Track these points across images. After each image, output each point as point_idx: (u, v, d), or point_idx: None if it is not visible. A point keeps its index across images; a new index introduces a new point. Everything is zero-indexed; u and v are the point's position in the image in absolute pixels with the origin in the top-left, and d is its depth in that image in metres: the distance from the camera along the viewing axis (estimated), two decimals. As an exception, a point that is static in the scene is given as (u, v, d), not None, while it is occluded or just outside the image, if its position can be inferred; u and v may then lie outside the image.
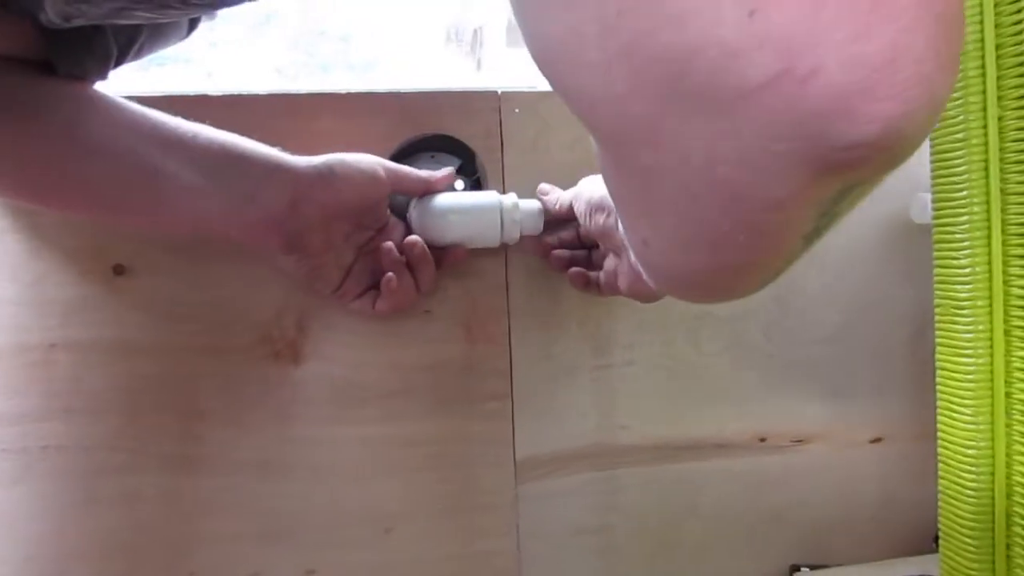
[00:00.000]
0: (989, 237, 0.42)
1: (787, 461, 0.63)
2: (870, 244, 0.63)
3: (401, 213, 0.56)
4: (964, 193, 0.43)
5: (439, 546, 0.59)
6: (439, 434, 0.59)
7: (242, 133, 0.48)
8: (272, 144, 0.49)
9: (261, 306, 0.56)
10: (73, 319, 0.54)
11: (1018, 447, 0.42)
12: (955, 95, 0.43)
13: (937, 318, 0.45)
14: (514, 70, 0.64)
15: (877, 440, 0.64)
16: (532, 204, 0.55)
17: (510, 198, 0.54)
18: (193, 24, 0.49)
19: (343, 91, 0.57)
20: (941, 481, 0.46)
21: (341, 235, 0.51)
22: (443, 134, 0.59)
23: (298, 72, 0.92)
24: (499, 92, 0.58)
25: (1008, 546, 0.42)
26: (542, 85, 0.63)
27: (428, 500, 0.59)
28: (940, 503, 0.46)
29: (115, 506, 0.55)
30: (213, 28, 0.81)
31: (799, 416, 0.63)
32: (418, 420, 0.58)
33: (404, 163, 0.59)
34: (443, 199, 0.54)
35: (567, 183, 0.59)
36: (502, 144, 0.58)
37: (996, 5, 0.42)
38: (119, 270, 0.54)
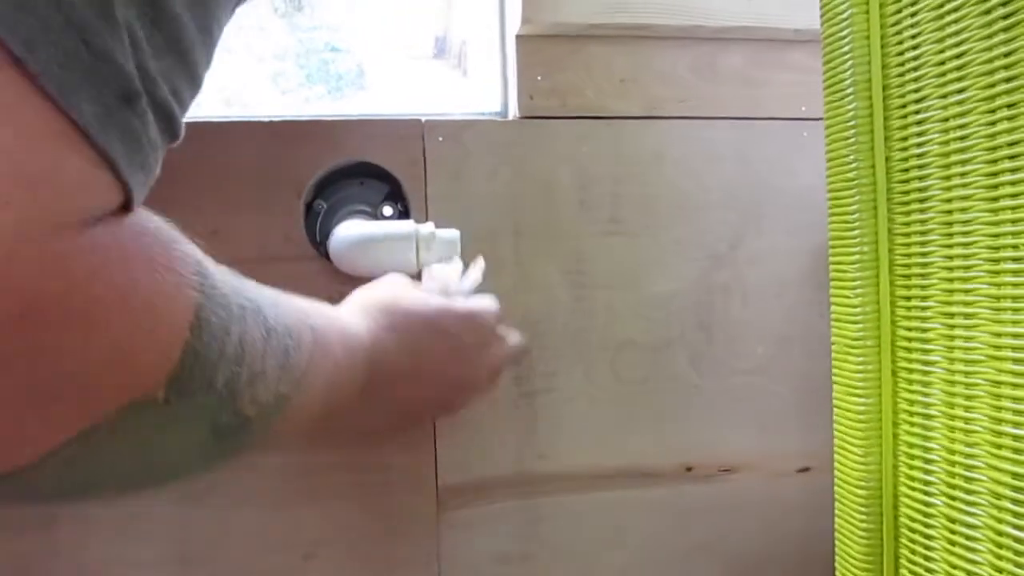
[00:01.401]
0: (878, 277, 0.43)
1: (714, 491, 0.64)
2: (794, 276, 0.64)
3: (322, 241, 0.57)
4: (855, 232, 0.44)
5: (359, 574, 0.60)
6: (360, 461, 0.60)
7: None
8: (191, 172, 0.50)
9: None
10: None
11: (904, 488, 0.43)
12: (845, 134, 0.44)
13: (833, 356, 0.46)
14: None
15: (805, 470, 0.64)
16: (450, 233, 0.56)
17: (426, 228, 0.55)
18: None
19: (267, 118, 0.58)
20: (837, 520, 0.46)
21: None
22: (367, 161, 0.59)
23: (289, 83, 0.93)
24: (423, 120, 0.59)
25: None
26: (458, 110, 0.64)
27: (349, 527, 0.60)
28: (836, 542, 0.46)
29: (32, 531, 0.56)
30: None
31: (726, 445, 0.64)
32: (338, 448, 0.59)
33: (331, 189, 0.60)
34: (359, 229, 0.55)
35: (488, 212, 0.61)
36: (425, 172, 0.59)
37: (883, 47, 0.42)
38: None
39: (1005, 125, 0.35)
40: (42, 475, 0.21)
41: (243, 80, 0.86)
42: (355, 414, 0.40)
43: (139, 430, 0.23)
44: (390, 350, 0.41)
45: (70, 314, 0.19)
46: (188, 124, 0.26)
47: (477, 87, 0.72)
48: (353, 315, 0.40)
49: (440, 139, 0.60)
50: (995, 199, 0.36)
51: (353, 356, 0.37)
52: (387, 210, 0.60)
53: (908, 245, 0.42)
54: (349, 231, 0.55)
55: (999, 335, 0.36)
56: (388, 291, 0.44)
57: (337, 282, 0.57)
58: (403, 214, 0.60)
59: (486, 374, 0.49)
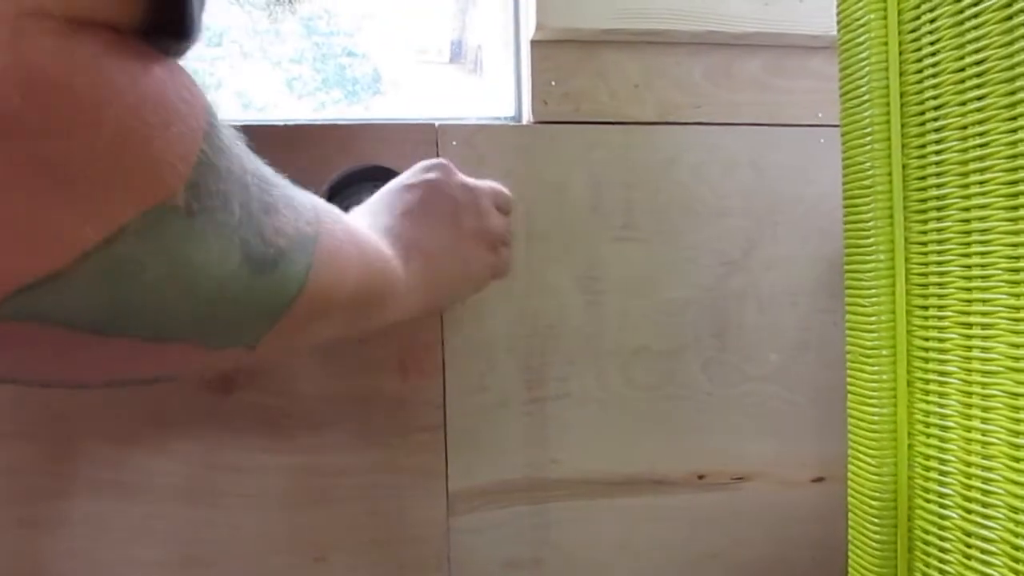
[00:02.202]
0: (894, 286, 0.43)
1: (726, 499, 0.63)
2: (809, 284, 0.63)
3: None
4: (871, 240, 0.43)
5: (370, 577, 0.60)
6: (371, 465, 0.59)
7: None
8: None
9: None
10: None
11: (919, 500, 0.42)
12: (862, 141, 0.43)
13: (848, 365, 0.45)
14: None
15: (819, 480, 0.64)
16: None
17: None
18: None
19: (281, 122, 0.58)
20: (851, 531, 0.46)
21: None
22: (381, 166, 0.59)
23: (305, 87, 0.94)
24: (436, 124, 0.59)
25: (914, 599, 0.42)
26: (473, 114, 0.64)
27: (359, 531, 0.60)
28: (849, 553, 0.46)
29: (44, 531, 0.56)
30: (222, 41, 0.83)
31: (739, 454, 0.63)
32: (350, 451, 0.59)
33: (345, 192, 0.60)
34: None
35: (500, 217, 0.60)
36: (438, 176, 0.59)
37: (901, 53, 0.42)
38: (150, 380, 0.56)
39: (1025, 133, 0.34)
40: (80, 285, 0.20)
41: (259, 84, 0.87)
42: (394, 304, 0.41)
43: (169, 243, 0.23)
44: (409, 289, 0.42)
45: (78, 93, 0.19)
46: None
47: (492, 92, 0.72)
48: (382, 241, 0.41)
49: (453, 143, 0.60)
50: (1015, 208, 0.36)
51: (372, 281, 0.38)
52: (400, 214, 0.60)
53: (925, 254, 0.41)
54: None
55: (1018, 346, 0.36)
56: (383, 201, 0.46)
57: None
58: (416, 218, 0.60)
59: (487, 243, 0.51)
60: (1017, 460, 0.35)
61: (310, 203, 0.32)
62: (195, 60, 0.54)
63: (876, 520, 0.43)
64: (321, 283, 0.31)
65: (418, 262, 0.43)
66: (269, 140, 0.57)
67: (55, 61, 0.18)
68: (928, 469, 0.42)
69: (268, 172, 0.29)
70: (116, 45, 0.20)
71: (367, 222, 0.43)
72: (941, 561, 0.41)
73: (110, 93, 0.20)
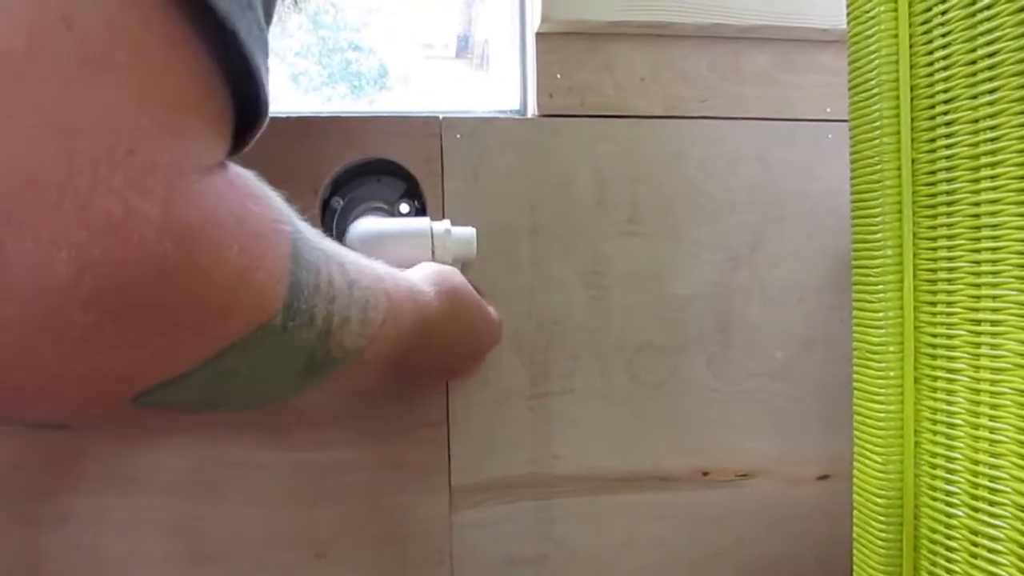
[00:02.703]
0: (902, 281, 0.42)
1: (730, 496, 0.63)
2: (816, 280, 0.63)
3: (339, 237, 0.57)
4: (879, 236, 0.43)
5: (371, 573, 0.60)
6: (373, 460, 0.59)
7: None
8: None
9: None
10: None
11: (925, 498, 0.42)
12: (871, 135, 0.43)
13: (854, 362, 0.45)
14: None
15: (824, 477, 0.63)
16: (466, 231, 0.56)
17: (442, 225, 0.54)
18: None
19: (284, 115, 0.58)
20: (855, 529, 0.45)
21: None
22: (385, 159, 0.59)
23: (311, 82, 0.94)
24: (440, 117, 0.59)
25: (919, 598, 0.42)
26: (479, 108, 0.63)
27: (360, 527, 0.60)
28: (854, 551, 0.45)
29: (47, 526, 0.56)
30: None
31: (744, 450, 0.63)
32: (352, 446, 0.59)
33: (348, 186, 0.60)
34: (376, 225, 0.55)
35: (505, 210, 0.60)
36: (443, 169, 0.59)
37: (912, 46, 0.41)
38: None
39: (1037, 127, 0.34)
40: (191, 384, 0.24)
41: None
42: (402, 365, 0.45)
43: (261, 355, 0.26)
44: (444, 320, 0.46)
45: (207, 240, 0.22)
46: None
47: (498, 86, 0.71)
48: (424, 284, 0.45)
49: (458, 136, 0.59)
50: (1025, 203, 0.35)
51: (418, 322, 0.42)
52: (404, 207, 0.60)
53: (934, 250, 0.41)
54: (366, 228, 0.55)
55: (1027, 343, 0.35)
56: (449, 271, 0.50)
57: None
58: (420, 211, 0.60)
59: (483, 360, 0.56)
60: (1026, 458, 0.35)
61: (381, 288, 0.35)
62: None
63: (882, 518, 0.43)
64: (365, 358, 0.35)
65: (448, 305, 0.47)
66: (273, 132, 0.57)
67: (192, 213, 0.21)
68: (935, 467, 0.41)
69: (353, 272, 0.32)
70: (229, 191, 0.23)
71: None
72: (947, 560, 0.40)
73: (228, 236, 0.23)
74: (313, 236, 0.29)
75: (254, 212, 0.25)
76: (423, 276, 0.46)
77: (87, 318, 0.19)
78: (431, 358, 0.48)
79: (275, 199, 0.27)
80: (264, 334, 0.25)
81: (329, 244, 0.31)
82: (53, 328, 0.19)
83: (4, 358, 0.20)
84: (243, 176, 0.25)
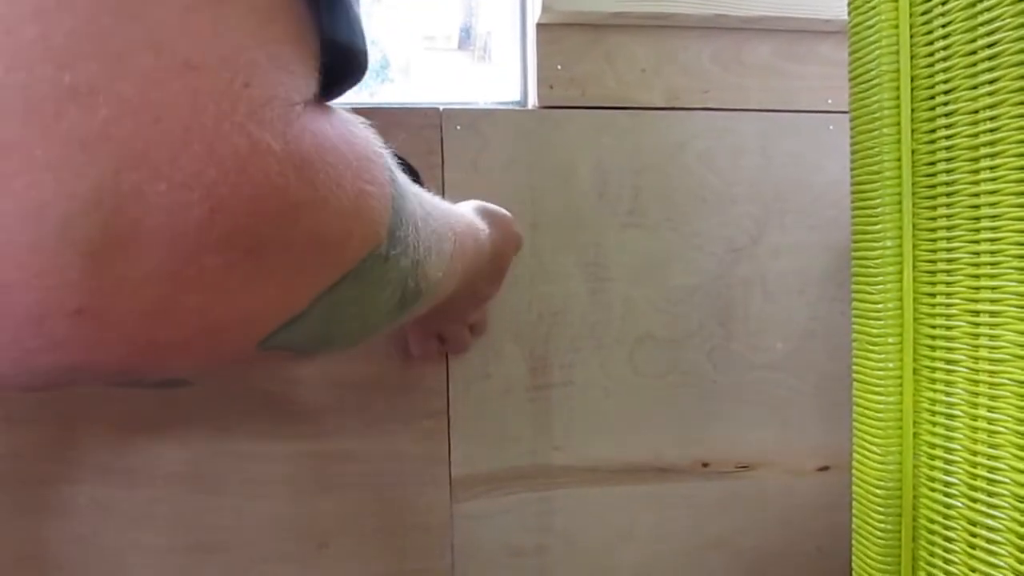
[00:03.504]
0: (901, 273, 0.42)
1: (730, 487, 0.63)
2: (817, 272, 0.63)
3: None
4: (879, 227, 0.43)
5: (373, 564, 0.60)
6: (374, 451, 0.60)
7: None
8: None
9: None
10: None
11: (924, 489, 0.42)
12: (871, 126, 0.43)
13: (854, 353, 0.45)
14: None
15: (824, 468, 0.64)
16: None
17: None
18: None
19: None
20: (855, 520, 0.45)
21: None
22: (385, 150, 0.59)
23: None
24: (440, 109, 0.59)
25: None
26: (480, 101, 0.63)
27: (362, 517, 0.60)
28: (853, 542, 0.45)
29: (49, 516, 0.56)
30: None
31: (744, 442, 0.63)
32: (353, 437, 0.59)
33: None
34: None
35: (506, 202, 0.60)
36: (443, 161, 0.59)
37: (912, 36, 0.41)
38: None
39: (1037, 117, 0.34)
40: (307, 323, 0.24)
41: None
42: (457, 298, 0.46)
43: (369, 284, 0.26)
44: (492, 252, 0.48)
45: (324, 167, 0.21)
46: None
47: (500, 78, 0.71)
48: (478, 220, 0.46)
49: (458, 128, 0.60)
50: (1025, 194, 0.35)
51: (479, 257, 0.44)
52: (405, 199, 0.60)
53: (933, 240, 0.41)
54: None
55: (1026, 334, 0.35)
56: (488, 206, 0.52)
57: None
58: (421, 204, 0.60)
59: (486, 303, 0.57)
60: (1023, 449, 0.35)
61: (446, 222, 0.35)
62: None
63: (880, 509, 0.43)
64: (439, 292, 0.35)
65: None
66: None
67: (308, 140, 0.21)
68: (933, 458, 0.41)
69: (427, 204, 0.32)
70: (335, 115, 0.23)
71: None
72: (946, 551, 0.40)
73: (341, 161, 0.22)
74: (403, 176, 0.29)
75: (359, 136, 0.24)
76: (474, 211, 0.47)
77: (219, 260, 0.19)
78: (472, 294, 0.50)
79: (366, 126, 0.27)
80: (373, 261, 0.25)
81: (402, 174, 0.31)
82: (191, 275, 0.19)
83: (146, 313, 0.19)
84: (335, 107, 0.25)
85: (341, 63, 0.24)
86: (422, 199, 0.31)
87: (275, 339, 0.23)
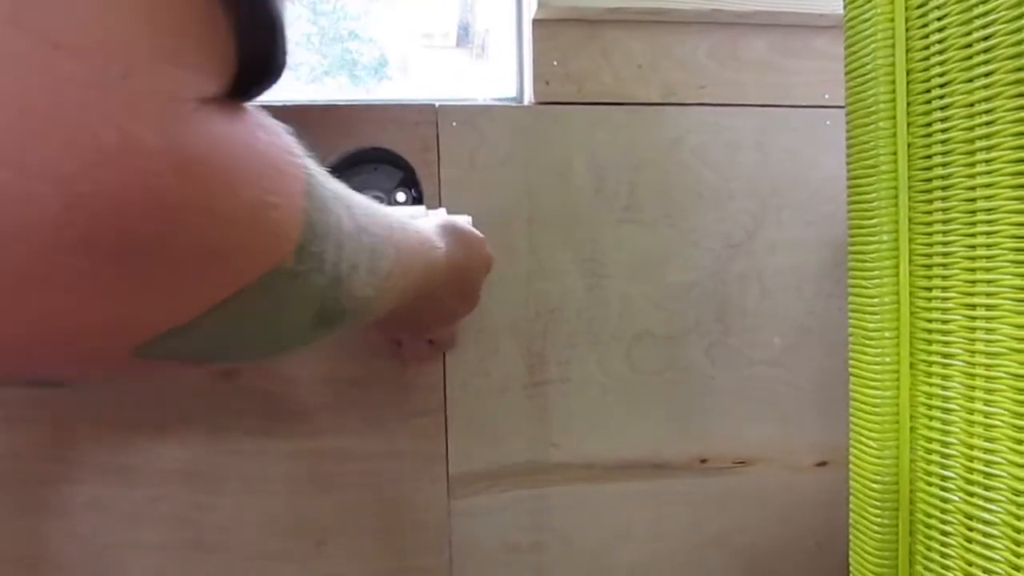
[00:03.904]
0: (897, 267, 0.42)
1: (728, 483, 0.63)
2: (814, 267, 0.63)
3: None
4: (875, 221, 0.43)
5: (371, 561, 0.60)
6: (372, 449, 0.60)
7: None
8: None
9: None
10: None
11: (921, 483, 0.42)
12: (867, 120, 0.43)
13: (850, 348, 0.45)
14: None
15: (822, 464, 0.64)
16: (462, 219, 0.56)
17: (439, 213, 0.54)
18: None
19: (280, 103, 0.58)
20: (852, 514, 0.45)
21: None
22: (381, 147, 0.59)
23: (310, 72, 0.93)
24: (436, 105, 0.59)
25: (914, 584, 0.42)
26: (479, 98, 0.63)
27: (360, 515, 0.60)
28: (850, 536, 0.45)
29: (48, 515, 0.56)
30: None
31: (742, 438, 0.63)
32: (350, 435, 0.59)
33: (345, 175, 0.60)
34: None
35: (502, 198, 0.60)
36: (439, 158, 0.59)
37: (908, 29, 0.41)
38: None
39: (1032, 110, 0.34)
40: (197, 334, 0.22)
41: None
42: (413, 313, 0.45)
43: (272, 301, 0.25)
44: (453, 272, 0.46)
45: (215, 172, 0.20)
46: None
47: (497, 74, 0.71)
48: (436, 237, 0.44)
49: (454, 124, 0.59)
50: (1021, 187, 0.35)
51: (431, 275, 0.42)
52: (400, 196, 0.60)
53: (929, 234, 0.41)
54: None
55: (1022, 327, 0.35)
56: (456, 220, 0.50)
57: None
58: (416, 200, 0.60)
59: (459, 320, 0.56)
60: (1020, 443, 0.35)
61: (387, 237, 0.33)
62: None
63: (878, 503, 0.43)
64: (373, 309, 0.34)
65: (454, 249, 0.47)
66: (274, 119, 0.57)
67: (197, 141, 0.19)
68: (930, 452, 0.41)
69: (362, 218, 0.30)
70: (235, 120, 0.21)
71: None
72: (943, 544, 0.40)
73: (239, 168, 0.21)
74: (323, 175, 0.27)
75: (266, 143, 0.23)
76: (435, 228, 0.45)
77: (80, 262, 0.18)
78: (434, 311, 0.49)
79: (286, 133, 0.25)
80: (277, 277, 0.24)
81: (338, 185, 0.29)
82: (41, 273, 0.17)
83: None
84: (251, 109, 0.23)
85: (257, 63, 0.23)
86: (356, 212, 0.30)
87: (155, 349, 0.22)
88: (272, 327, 0.27)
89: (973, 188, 0.38)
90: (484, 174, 0.60)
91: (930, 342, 0.41)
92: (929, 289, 0.41)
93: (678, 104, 0.62)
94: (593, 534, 0.62)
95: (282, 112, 0.57)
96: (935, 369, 0.41)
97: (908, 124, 0.42)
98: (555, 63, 0.61)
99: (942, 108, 0.40)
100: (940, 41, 0.40)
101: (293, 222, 0.23)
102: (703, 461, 0.63)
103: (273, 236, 0.23)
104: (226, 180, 0.20)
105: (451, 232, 0.47)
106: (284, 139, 0.24)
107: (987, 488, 0.37)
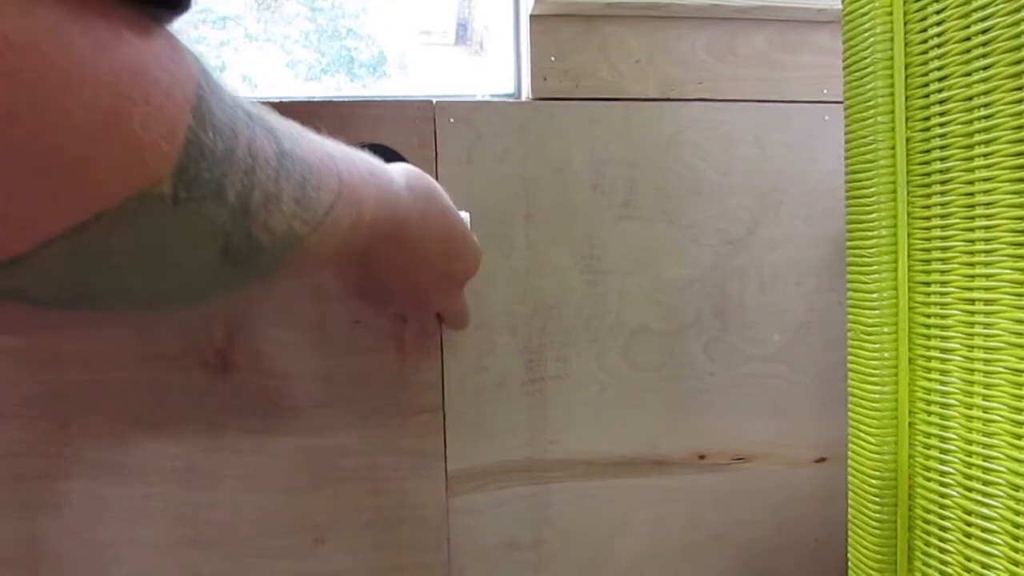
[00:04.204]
0: (896, 262, 0.42)
1: (727, 479, 0.63)
2: (813, 263, 0.63)
3: None
4: (874, 215, 0.43)
5: (370, 558, 0.60)
6: (370, 446, 0.59)
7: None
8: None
9: (190, 315, 0.57)
10: (1, 326, 0.55)
11: (920, 479, 0.42)
12: (865, 114, 0.43)
13: (849, 343, 0.45)
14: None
15: (821, 460, 0.63)
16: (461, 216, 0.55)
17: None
18: None
19: (277, 99, 0.58)
20: (851, 510, 0.45)
21: None
22: (379, 144, 0.59)
23: (309, 70, 0.93)
24: (434, 102, 0.59)
25: (914, 579, 0.42)
26: (478, 95, 0.63)
27: (359, 512, 0.60)
28: (849, 533, 0.45)
29: (44, 512, 0.56)
30: (226, 25, 0.82)
31: (740, 434, 0.63)
32: (348, 432, 0.59)
33: (342, 172, 0.60)
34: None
35: (500, 194, 0.60)
36: (437, 154, 0.59)
37: (906, 23, 0.41)
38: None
39: (1031, 103, 0.34)
40: (40, 270, 0.19)
41: (262, 66, 0.86)
42: (370, 265, 0.40)
43: (146, 232, 0.21)
44: (417, 218, 0.41)
45: (47, 61, 0.17)
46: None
47: (495, 71, 0.71)
48: (394, 173, 0.40)
49: (451, 121, 0.59)
50: (1020, 181, 0.35)
51: (383, 214, 0.37)
52: (399, 193, 0.60)
53: (928, 229, 0.41)
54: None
55: (1021, 322, 0.35)
56: (424, 174, 0.45)
57: (356, 306, 0.57)
58: (415, 197, 0.60)
59: (459, 286, 0.52)
60: (1019, 438, 0.35)
61: (328, 166, 0.30)
62: (201, 44, 0.54)
63: (876, 499, 0.43)
64: (313, 251, 0.30)
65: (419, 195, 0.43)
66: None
67: (17, 25, 0.16)
68: (929, 447, 0.41)
69: (288, 143, 0.27)
70: (85, 10, 0.18)
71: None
72: (941, 540, 0.40)
73: (81, 62, 0.18)
74: (231, 94, 0.24)
75: (135, 45, 0.19)
76: (394, 168, 0.41)
77: None
78: (401, 264, 0.43)
79: (180, 42, 0.21)
80: (149, 205, 0.20)
81: (256, 107, 0.25)
82: None
83: None
84: (131, 12, 0.20)
85: None
86: (278, 135, 0.26)
87: None
88: (162, 267, 0.23)
89: (972, 182, 0.38)
90: (481, 170, 0.60)
91: (929, 337, 0.41)
92: (928, 284, 0.41)
93: (676, 100, 0.62)
94: (592, 530, 0.62)
95: (280, 109, 0.58)
96: (934, 364, 0.41)
97: (906, 119, 0.41)
98: (553, 59, 0.61)
99: (940, 102, 0.40)
100: (938, 35, 0.39)
101: (169, 135, 0.20)
102: (702, 457, 0.63)
103: (135, 152, 0.19)
104: (58, 77, 0.17)
105: (414, 179, 0.43)
106: (171, 43, 0.21)
107: (985, 483, 0.37)
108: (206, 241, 0.23)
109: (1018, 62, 0.34)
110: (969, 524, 0.38)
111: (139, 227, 0.21)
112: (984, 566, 0.37)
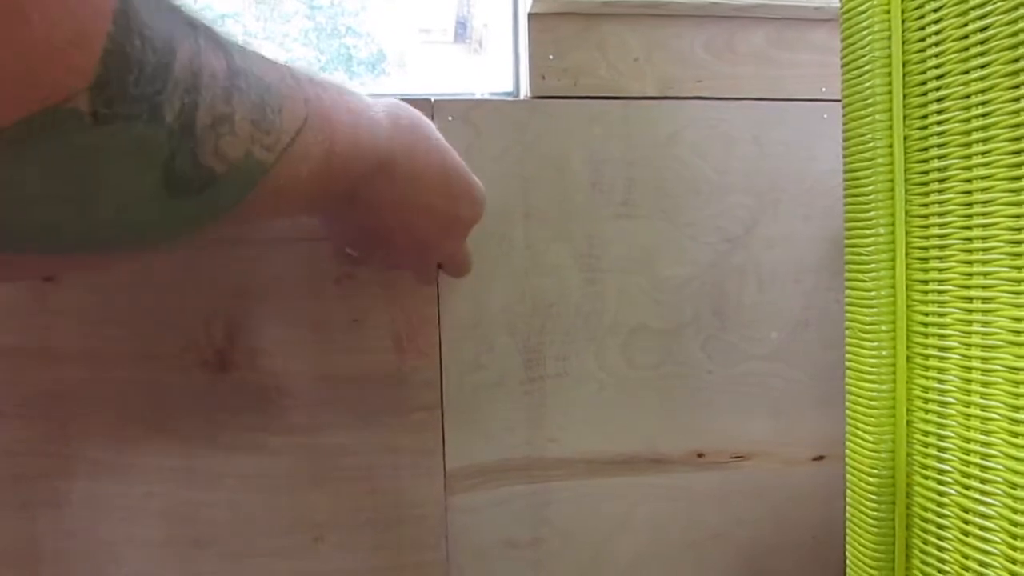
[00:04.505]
0: (894, 260, 0.42)
1: (725, 478, 0.63)
2: (812, 262, 0.63)
3: None
4: (872, 214, 0.43)
5: (369, 557, 0.60)
6: (368, 444, 0.59)
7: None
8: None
9: (189, 313, 0.57)
10: (1, 325, 0.55)
11: (918, 477, 0.42)
12: (863, 112, 0.43)
13: (847, 341, 0.45)
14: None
15: (819, 458, 0.64)
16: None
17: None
18: None
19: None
20: (849, 508, 0.45)
21: None
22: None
23: (309, 68, 0.93)
24: (432, 100, 0.59)
25: (911, 578, 0.42)
26: (476, 93, 0.63)
27: (357, 511, 0.60)
28: (847, 531, 0.45)
29: (42, 511, 0.56)
30: (224, 23, 0.82)
31: (739, 432, 0.63)
32: (346, 430, 0.59)
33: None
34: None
35: (498, 193, 0.60)
36: (435, 153, 0.58)
37: (904, 20, 0.41)
38: (47, 277, 0.56)
39: (1028, 101, 0.34)
40: None
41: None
42: (360, 208, 0.37)
43: (63, 156, 0.19)
44: (403, 152, 0.38)
45: None
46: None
47: (494, 69, 0.71)
48: (372, 101, 0.37)
49: (450, 119, 0.59)
50: (1017, 179, 0.35)
51: (362, 143, 0.34)
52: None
53: (926, 227, 0.41)
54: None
55: (1018, 320, 0.35)
56: (412, 109, 0.42)
57: (346, 264, 0.57)
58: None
59: (467, 230, 0.49)
60: (1016, 436, 0.35)
61: (291, 85, 0.27)
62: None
63: (874, 497, 0.43)
64: (282, 175, 0.27)
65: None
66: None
67: None
68: (927, 445, 0.41)
69: (240, 59, 0.24)
70: None
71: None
72: (939, 538, 0.40)
73: None
74: (173, 3, 0.21)
75: None
76: (375, 99, 0.37)
77: None
78: (396, 207, 0.40)
79: None
80: (59, 123, 0.18)
81: (206, 21, 0.23)
82: None
83: None
84: None
85: None
86: (230, 52, 0.24)
87: None
88: (88, 195, 0.21)
89: (969, 180, 0.38)
90: (480, 169, 0.59)
91: (927, 335, 0.41)
92: (926, 282, 0.41)
93: (675, 98, 0.62)
94: (591, 529, 0.62)
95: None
96: (931, 362, 0.41)
97: (904, 117, 0.41)
98: (551, 57, 0.61)
99: (938, 100, 0.40)
100: (936, 33, 0.39)
101: (78, 48, 0.18)
102: (700, 455, 0.63)
103: (41, 64, 0.17)
104: None
105: (397, 109, 0.39)
106: None
107: (983, 481, 0.37)
108: (142, 167, 0.21)
109: (1015, 60, 0.34)
110: (967, 522, 0.38)
111: (53, 150, 0.18)
112: (982, 564, 0.37)
